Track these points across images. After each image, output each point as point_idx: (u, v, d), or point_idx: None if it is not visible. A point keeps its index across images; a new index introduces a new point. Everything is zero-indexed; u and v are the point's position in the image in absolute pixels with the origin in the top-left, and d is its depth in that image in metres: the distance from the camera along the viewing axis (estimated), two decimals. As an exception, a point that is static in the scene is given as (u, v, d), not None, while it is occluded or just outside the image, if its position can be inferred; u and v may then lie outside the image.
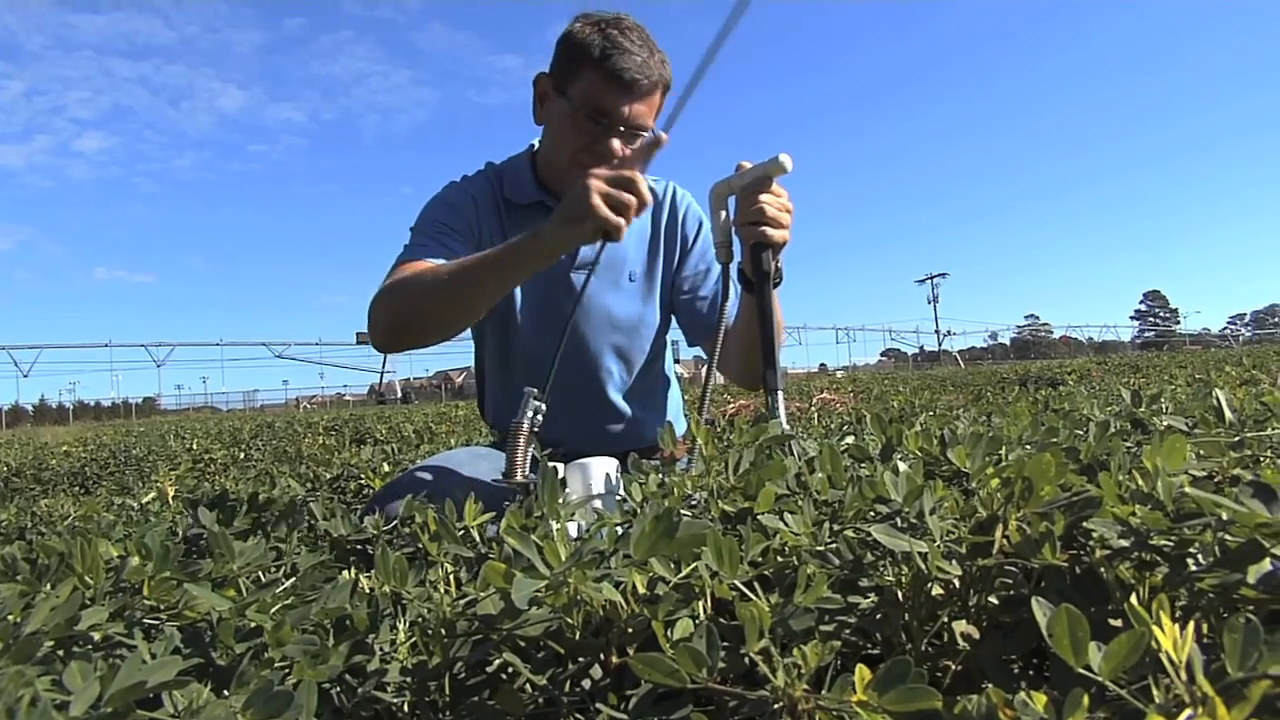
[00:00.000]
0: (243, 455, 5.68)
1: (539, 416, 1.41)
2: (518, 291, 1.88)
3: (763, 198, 1.56)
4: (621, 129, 1.72)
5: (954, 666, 0.66)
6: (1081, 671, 0.49)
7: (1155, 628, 0.50)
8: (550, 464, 1.29)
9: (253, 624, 0.74)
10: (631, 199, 1.37)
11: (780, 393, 1.49)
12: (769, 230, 1.57)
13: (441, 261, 1.63)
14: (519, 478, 1.34)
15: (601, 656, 0.69)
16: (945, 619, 0.69)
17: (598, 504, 1.11)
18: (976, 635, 0.67)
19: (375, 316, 1.65)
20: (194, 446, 6.40)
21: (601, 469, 1.23)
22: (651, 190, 1.99)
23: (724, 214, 1.66)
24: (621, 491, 1.22)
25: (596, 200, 1.34)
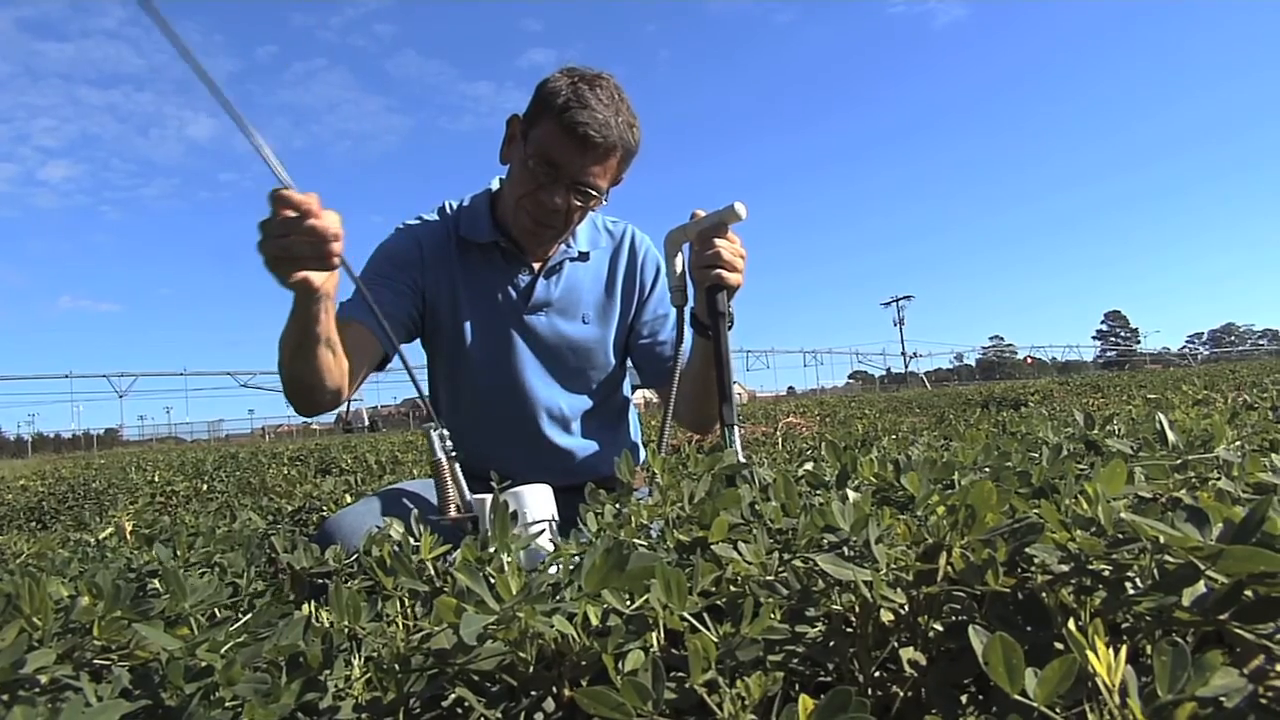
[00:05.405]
0: (205, 487, 5.60)
1: (449, 443, 1.41)
2: (468, 329, 1.89)
3: (718, 242, 1.61)
4: (570, 183, 1.75)
5: (902, 694, 0.67)
6: (1018, 698, 0.50)
7: (1090, 652, 0.51)
8: (478, 496, 1.30)
9: (203, 663, 0.73)
10: (293, 242, 1.25)
11: (735, 427, 1.52)
12: (725, 274, 1.61)
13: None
14: (453, 513, 1.34)
15: (554, 690, 0.70)
16: (895, 646, 0.70)
17: (534, 530, 1.11)
18: (924, 662, 0.68)
19: None
20: (155, 479, 6.29)
21: (534, 496, 1.25)
22: (608, 231, 2.01)
23: (679, 259, 1.70)
24: (554, 515, 1.24)
25: (262, 253, 1.27)
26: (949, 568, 0.69)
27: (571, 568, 0.77)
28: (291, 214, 1.22)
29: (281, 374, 1.53)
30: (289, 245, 1.25)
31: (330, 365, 1.50)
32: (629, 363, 2.08)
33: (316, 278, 1.30)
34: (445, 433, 1.41)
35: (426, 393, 2.04)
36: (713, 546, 0.81)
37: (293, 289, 1.31)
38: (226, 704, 0.69)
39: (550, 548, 0.95)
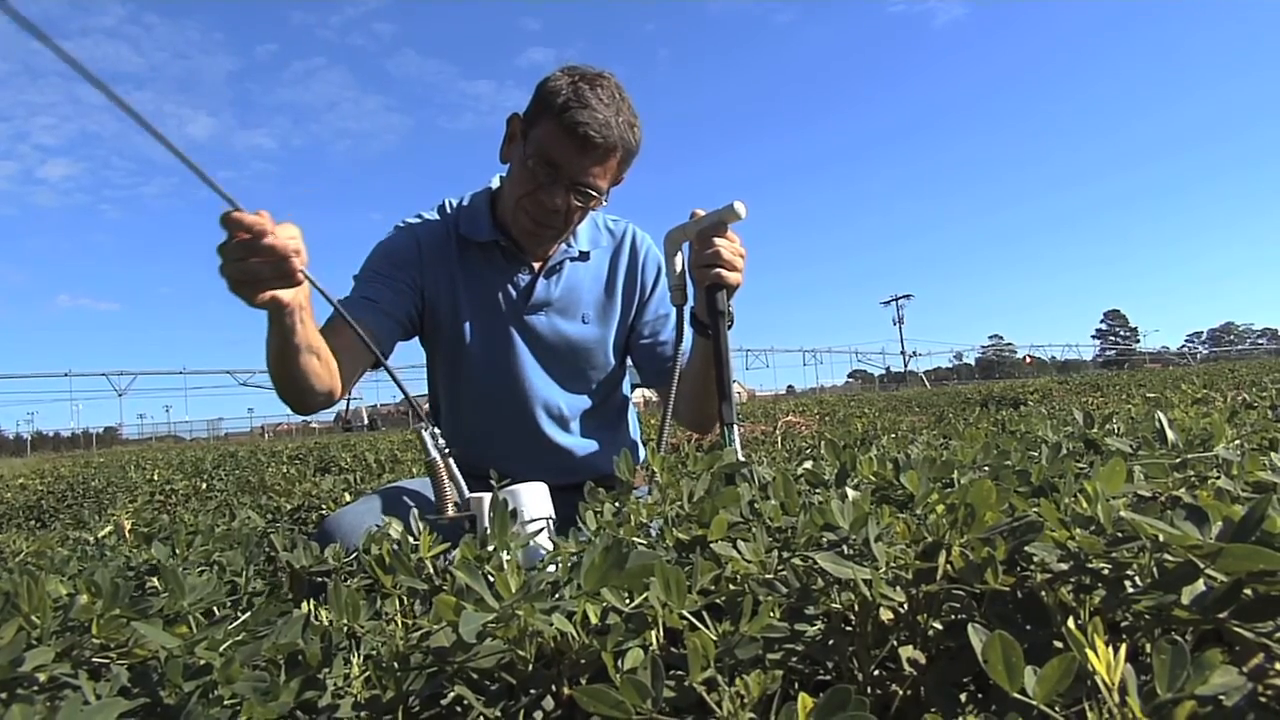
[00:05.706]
0: (204, 486, 5.59)
1: (441, 441, 1.41)
2: (468, 328, 1.90)
3: (718, 241, 1.60)
4: (569, 183, 1.74)
5: (902, 692, 0.67)
6: (1017, 696, 0.50)
7: (1089, 651, 0.51)
8: (475, 495, 1.30)
9: (202, 661, 0.73)
10: (252, 264, 1.22)
11: (735, 426, 1.52)
12: (724, 273, 1.60)
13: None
14: (450, 512, 1.34)
15: (553, 688, 0.70)
16: (894, 644, 0.70)
17: (531, 528, 1.11)
18: (923, 660, 0.68)
19: None
20: (154, 477, 6.28)
21: (530, 494, 1.25)
22: (609, 231, 2.01)
23: (679, 258, 1.70)
24: (550, 514, 1.25)
25: (224, 278, 1.23)
26: (948, 566, 0.69)
27: (571, 566, 0.77)
28: (246, 235, 1.19)
29: (271, 378, 1.53)
30: (248, 268, 1.22)
31: (317, 370, 1.49)
32: (629, 362, 2.08)
33: (284, 295, 1.28)
34: (437, 431, 1.41)
35: (424, 391, 2.04)
36: (712, 545, 0.81)
37: (262, 309, 1.29)
38: (225, 702, 0.69)
39: (548, 546, 0.95)
